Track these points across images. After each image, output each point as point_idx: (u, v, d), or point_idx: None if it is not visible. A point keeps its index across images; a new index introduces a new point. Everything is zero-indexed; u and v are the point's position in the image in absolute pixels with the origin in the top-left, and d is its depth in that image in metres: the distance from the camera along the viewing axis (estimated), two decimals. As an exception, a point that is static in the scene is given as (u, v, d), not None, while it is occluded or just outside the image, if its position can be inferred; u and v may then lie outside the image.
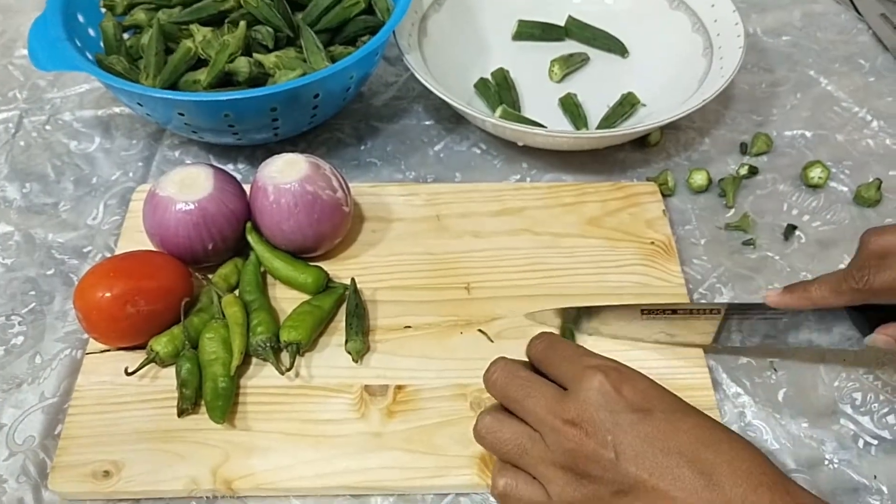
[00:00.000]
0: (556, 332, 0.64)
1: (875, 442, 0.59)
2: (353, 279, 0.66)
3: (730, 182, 0.76)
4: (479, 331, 0.64)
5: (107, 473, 0.57)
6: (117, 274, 0.61)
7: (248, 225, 0.66)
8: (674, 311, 0.60)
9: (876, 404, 0.61)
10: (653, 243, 0.70)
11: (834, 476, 0.57)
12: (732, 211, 0.75)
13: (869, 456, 0.58)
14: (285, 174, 0.64)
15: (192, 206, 0.63)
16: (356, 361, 0.62)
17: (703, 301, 0.68)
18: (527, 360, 0.54)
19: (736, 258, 0.71)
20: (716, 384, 0.62)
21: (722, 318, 0.60)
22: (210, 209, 0.63)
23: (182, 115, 0.71)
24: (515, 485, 0.49)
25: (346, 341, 0.62)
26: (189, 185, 0.64)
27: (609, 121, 0.81)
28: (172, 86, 0.76)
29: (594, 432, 0.45)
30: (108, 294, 0.60)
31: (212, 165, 0.66)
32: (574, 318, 0.64)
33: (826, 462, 0.58)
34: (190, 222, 0.63)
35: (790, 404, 0.61)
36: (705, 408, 0.58)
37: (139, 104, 0.72)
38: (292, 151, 0.68)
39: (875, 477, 0.57)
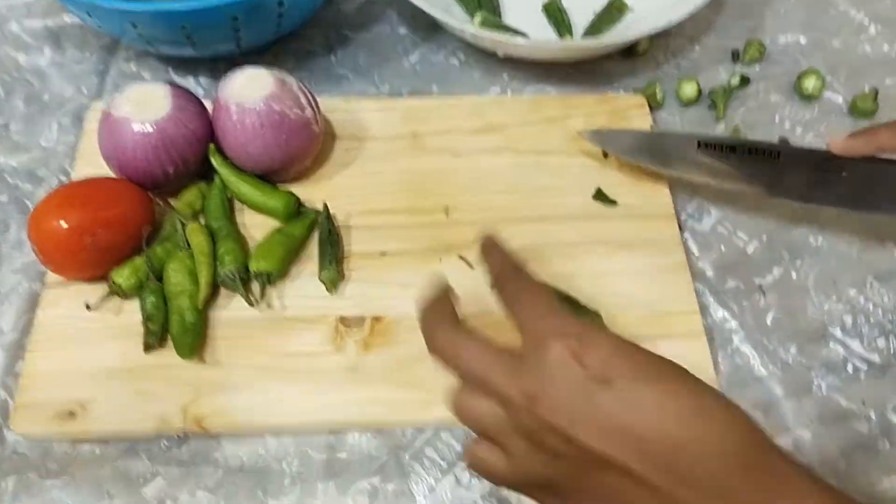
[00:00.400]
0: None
1: (864, 367, 0.58)
2: (325, 204, 0.62)
3: (720, 93, 0.72)
4: (460, 257, 0.62)
5: (72, 414, 0.54)
6: (73, 202, 0.57)
7: (212, 147, 0.62)
8: (732, 149, 0.61)
9: (866, 327, 0.60)
10: (640, 161, 0.67)
11: (822, 402, 0.56)
12: (723, 124, 0.71)
13: (858, 381, 0.57)
14: (249, 92, 0.60)
15: (149, 128, 0.59)
16: (330, 291, 0.59)
17: (688, 221, 0.65)
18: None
19: (726, 175, 0.68)
20: (703, 309, 0.60)
21: (780, 163, 0.60)
22: (169, 130, 0.59)
23: (135, 26, 0.65)
24: (478, 451, 0.44)
25: (320, 270, 0.60)
26: (145, 105, 0.59)
27: (595, 28, 0.76)
28: (124, -7, 0.70)
29: (551, 406, 0.40)
30: (63, 224, 0.56)
31: (170, 83, 0.62)
32: (632, 145, 0.65)
33: (814, 388, 0.57)
34: (148, 145, 0.59)
35: (779, 328, 0.60)
36: (692, 334, 0.58)
37: (88, 14, 0.66)
38: (257, 64, 0.63)
39: (863, 402, 0.56)
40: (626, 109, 0.70)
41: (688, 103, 0.72)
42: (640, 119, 0.69)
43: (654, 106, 0.71)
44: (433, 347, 0.44)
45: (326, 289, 0.59)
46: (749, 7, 0.81)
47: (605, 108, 0.70)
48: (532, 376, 0.41)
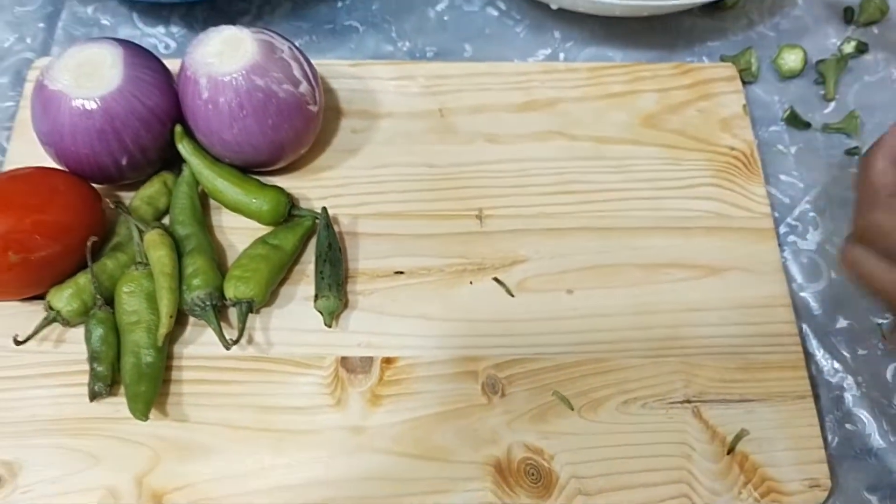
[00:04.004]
0: None
1: None
2: (325, 209, 0.48)
3: (831, 65, 0.56)
4: (495, 279, 0.48)
5: (-3, 479, 0.42)
6: (-6, 204, 0.44)
7: (178, 129, 0.48)
8: None
9: None
10: (730, 152, 0.53)
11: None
12: (833, 105, 0.56)
13: None
14: (225, 60, 0.45)
15: (93, 106, 0.44)
16: (329, 324, 0.46)
17: (790, 236, 0.51)
18: None
19: (836, 174, 0.54)
20: (806, 357, 0.47)
21: None
22: (118, 109, 0.45)
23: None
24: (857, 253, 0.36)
25: (316, 296, 0.46)
26: (89, 74, 0.45)
27: (672, -28, 0.60)
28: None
29: None
30: (-20, 236, 0.42)
31: (122, 42, 0.47)
32: None
33: (954, 473, 0.44)
34: (92, 129, 0.45)
35: (904, 385, 0.47)
36: (795, 395, 0.45)
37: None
38: (242, 11, 0.48)
39: None
40: (712, 83, 0.55)
41: (789, 76, 0.57)
42: (730, 98, 0.54)
43: (747, 79, 0.56)
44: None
45: (324, 321, 0.46)
46: (862, -53, 0.65)
47: (684, 81, 0.55)
48: None
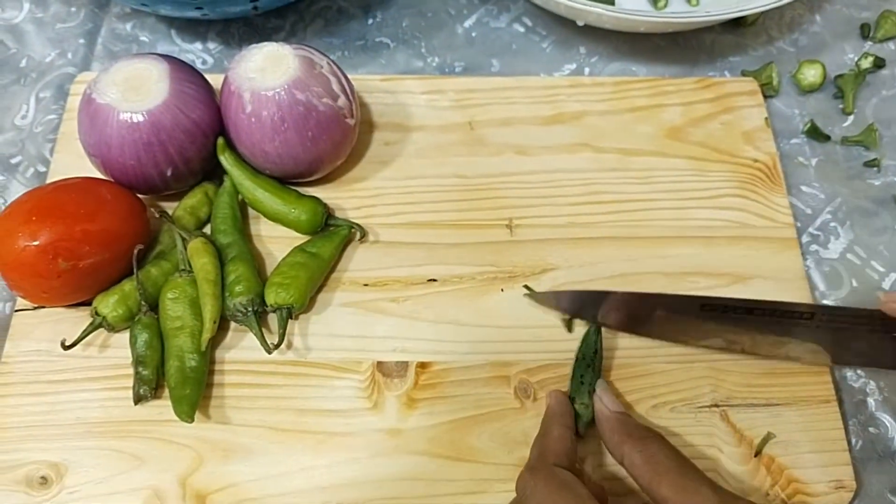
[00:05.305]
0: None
1: None
2: (596, 328, 0.48)
3: (849, 79, 0.58)
4: (526, 287, 0.49)
5: (44, 480, 0.44)
6: (43, 215, 0.45)
7: (221, 142, 0.49)
8: (749, 311, 0.45)
9: None
10: (753, 164, 0.54)
11: None
12: (851, 118, 0.58)
13: None
14: (267, 76, 0.47)
15: (140, 118, 0.46)
16: (581, 434, 0.44)
17: (812, 245, 0.52)
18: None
19: (856, 185, 0.55)
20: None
21: (814, 326, 0.45)
22: (165, 122, 0.47)
23: (126, -19, 0.52)
24: None
25: (573, 399, 0.45)
26: (136, 88, 0.47)
27: (696, -10, 0.62)
28: (114, -64, 0.56)
29: None
30: (31, 244, 0.44)
31: (166, 58, 0.49)
32: (601, 306, 0.47)
33: (976, 477, 0.45)
34: (139, 141, 0.46)
35: (926, 391, 0.48)
36: (820, 399, 0.46)
37: (69, -37, 0.53)
38: (277, 28, 0.50)
39: None
40: (734, 97, 0.57)
41: (809, 90, 0.58)
42: (752, 111, 0.56)
43: (768, 93, 0.57)
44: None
45: (578, 429, 0.44)
46: (879, -35, 0.67)
47: (707, 95, 0.57)
48: None
